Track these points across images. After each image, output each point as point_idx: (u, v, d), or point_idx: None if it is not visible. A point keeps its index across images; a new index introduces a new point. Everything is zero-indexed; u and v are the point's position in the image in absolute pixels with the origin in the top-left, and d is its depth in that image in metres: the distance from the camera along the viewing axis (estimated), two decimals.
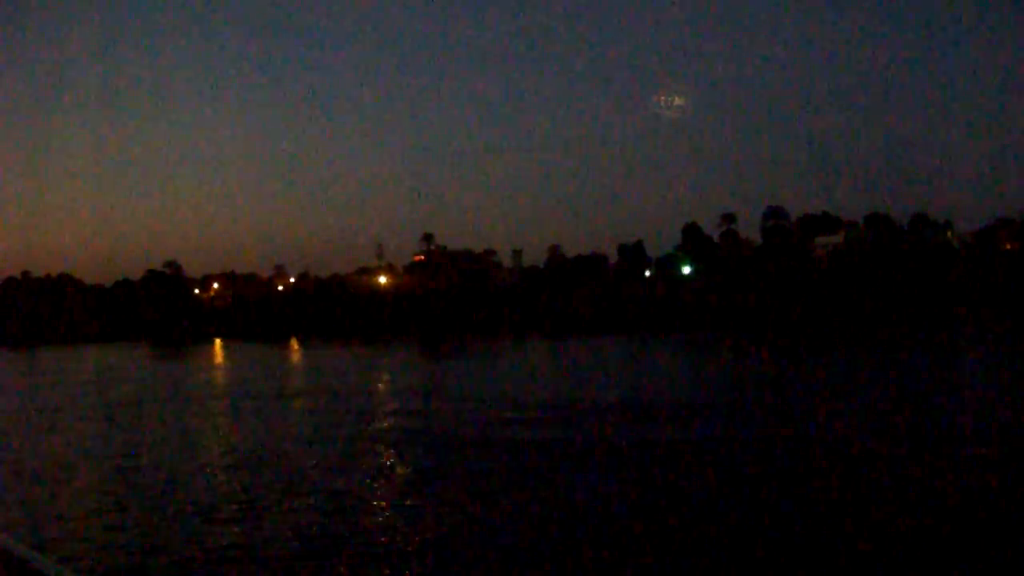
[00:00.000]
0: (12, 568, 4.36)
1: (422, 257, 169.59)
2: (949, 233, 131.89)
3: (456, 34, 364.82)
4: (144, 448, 32.20)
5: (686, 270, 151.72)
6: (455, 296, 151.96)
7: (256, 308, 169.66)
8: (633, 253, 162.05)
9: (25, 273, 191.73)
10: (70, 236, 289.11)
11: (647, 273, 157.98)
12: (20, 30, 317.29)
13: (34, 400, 53.86)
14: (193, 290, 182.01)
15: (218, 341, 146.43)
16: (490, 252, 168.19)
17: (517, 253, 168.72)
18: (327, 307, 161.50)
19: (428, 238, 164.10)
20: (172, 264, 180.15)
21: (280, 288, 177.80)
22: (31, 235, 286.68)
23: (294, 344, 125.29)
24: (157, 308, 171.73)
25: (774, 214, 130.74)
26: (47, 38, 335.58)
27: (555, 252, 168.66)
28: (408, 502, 22.15)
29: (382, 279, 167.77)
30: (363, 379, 62.09)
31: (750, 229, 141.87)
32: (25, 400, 54.54)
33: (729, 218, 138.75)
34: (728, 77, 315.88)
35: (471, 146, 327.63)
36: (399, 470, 26.64)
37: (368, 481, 24.80)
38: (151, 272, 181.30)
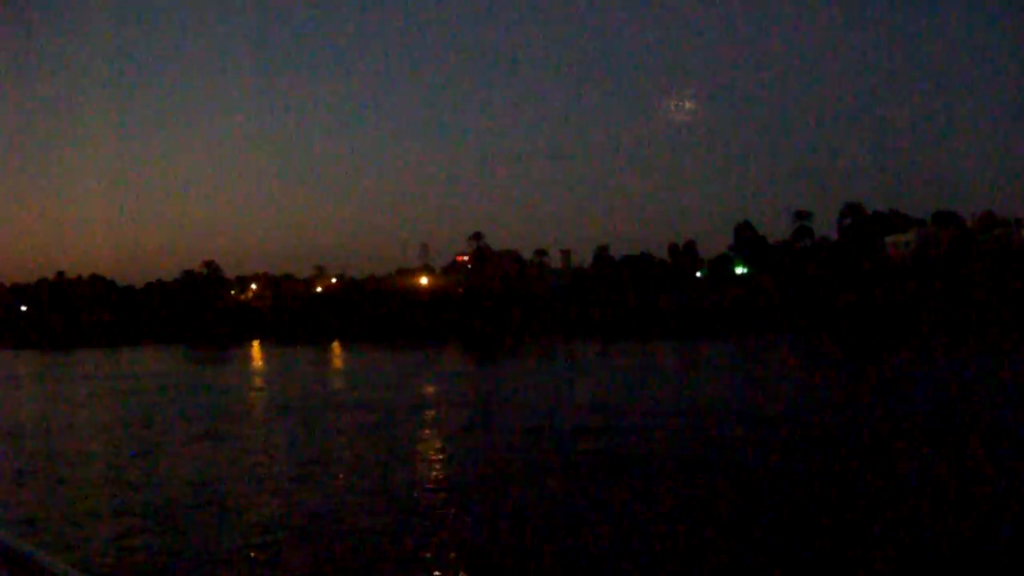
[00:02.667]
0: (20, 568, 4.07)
1: (465, 257, 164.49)
2: None
3: (501, 34, 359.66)
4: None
5: (739, 271, 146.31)
6: (502, 297, 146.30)
7: (296, 310, 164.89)
8: (684, 253, 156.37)
9: (60, 274, 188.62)
10: (102, 237, 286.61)
11: (697, 274, 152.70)
12: (48, 27, 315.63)
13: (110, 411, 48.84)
14: (229, 291, 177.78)
15: (256, 343, 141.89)
16: (540, 252, 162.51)
17: (565, 253, 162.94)
18: (369, 309, 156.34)
19: (477, 237, 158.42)
20: (210, 264, 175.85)
21: (319, 289, 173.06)
22: (64, 236, 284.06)
23: (336, 347, 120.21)
24: (194, 309, 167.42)
25: (851, 211, 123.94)
26: (75, 35, 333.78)
27: (602, 252, 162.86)
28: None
29: (423, 280, 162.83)
30: (451, 387, 56.59)
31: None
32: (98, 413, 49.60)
33: (802, 215, 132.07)
34: (787, 70, 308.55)
35: (519, 146, 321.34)
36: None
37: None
38: (188, 273, 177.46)
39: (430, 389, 53.30)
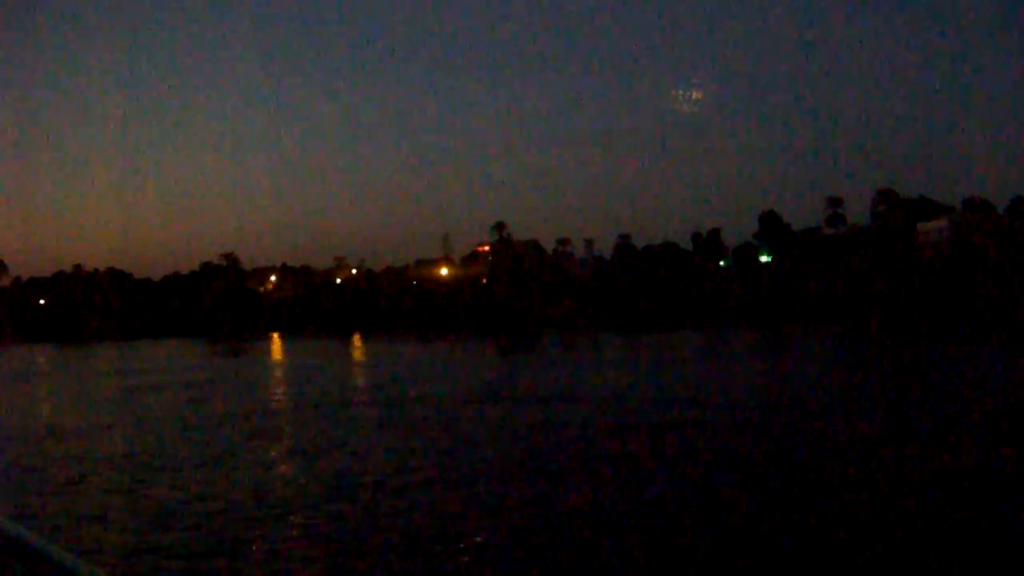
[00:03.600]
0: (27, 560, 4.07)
1: (486, 247, 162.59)
2: None
3: (522, 20, 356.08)
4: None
5: (764, 259, 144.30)
6: (524, 288, 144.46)
7: (316, 301, 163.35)
8: (708, 242, 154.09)
9: (77, 267, 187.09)
10: (119, 230, 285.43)
11: (720, 263, 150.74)
12: (61, 18, 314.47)
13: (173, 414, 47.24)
14: (247, 283, 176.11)
15: (276, 336, 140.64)
16: (564, 241, 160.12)
17: (589, 243, 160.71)
18: (389, 300, 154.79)
19: (500, 227, 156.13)
20: (229, 256, 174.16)
21: (338, 281, 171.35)
22: (81, 229, 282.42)
23: (357, 340, 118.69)
24: (213, 302, 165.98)
25: (884, 198, 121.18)
26: (88, 27, 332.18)
27: (624, 241, 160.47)
28: None
29: (443, 270, 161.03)
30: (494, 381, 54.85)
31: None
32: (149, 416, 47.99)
33: (835, 202, 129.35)
34: (811, 57, 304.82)
35: (542, 135, 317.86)
36: None
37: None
38: (207, 265, 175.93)
39: (477, 381, 51.57)
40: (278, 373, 68.77)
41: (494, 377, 56.01)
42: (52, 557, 3.89)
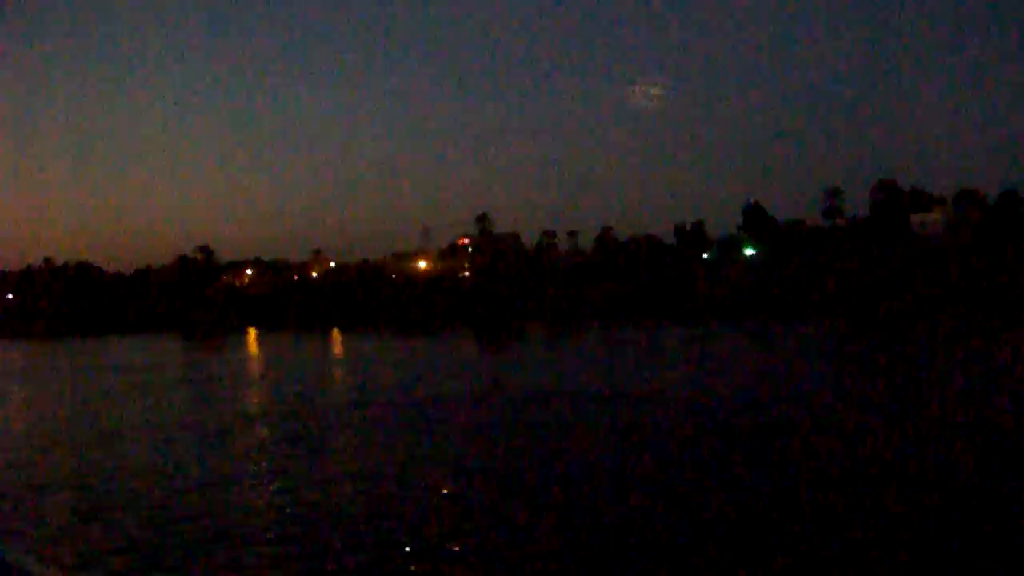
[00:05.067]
0: None
1: (466, 240, 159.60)
2: None
3: (505, 16, 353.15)
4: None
5: (748, 252, 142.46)
6: (508, 281, 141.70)
7: (293, 296, 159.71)
8: (692, 235, 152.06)
9: (47, 260, 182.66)
10: (92, 223, 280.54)
11: (704, 256, 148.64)
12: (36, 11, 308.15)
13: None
14: (222, 277, 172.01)
15: (252, 331, 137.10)
16: (548, 233, 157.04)
17: (572, 235, 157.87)
18: (368, 294, 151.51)
19: (482, 218, 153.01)
20: (204, 249, 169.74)
21: (314, 274, 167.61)
22: (49, 223, 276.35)
23: (336, 334, 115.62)
24: (186, 296, 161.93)
25: (883, 188, 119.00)
26: (58, 19, 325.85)
27: (606, 234, 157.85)
28: None
29: (421, 264, 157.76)
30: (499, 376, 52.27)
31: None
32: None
33: (834, 193, 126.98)
34: (794, 50, 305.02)
35: (522, 125, 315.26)
36: None
37: None
38: (182, 258, 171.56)
39: (482, 379, 49.00)
40: (271, 373, 65.55)
41: (486, 377, 53.43)
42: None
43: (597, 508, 19.50)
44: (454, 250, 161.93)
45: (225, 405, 42.84)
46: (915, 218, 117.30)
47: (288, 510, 20.55)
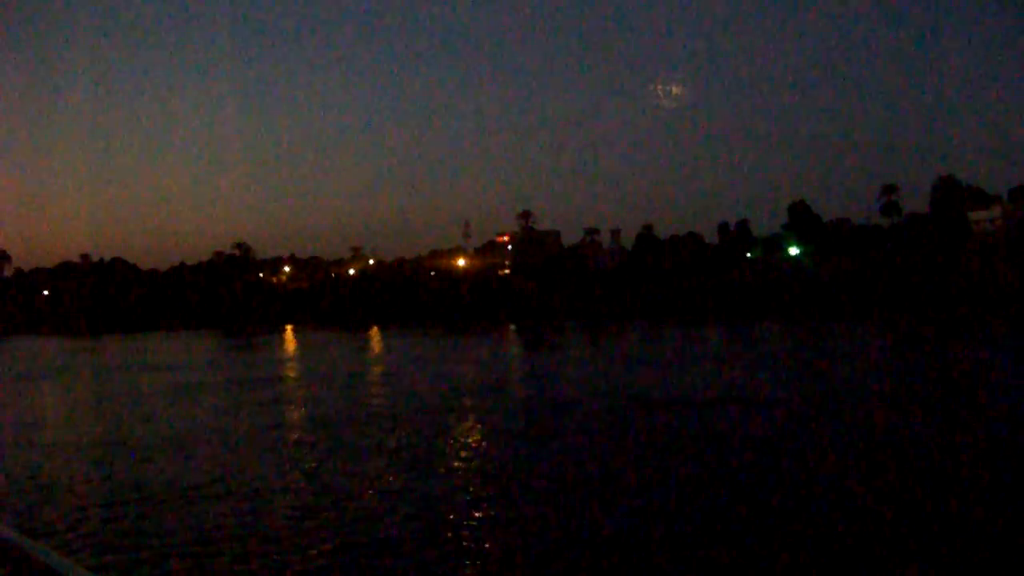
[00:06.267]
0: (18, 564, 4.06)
1: (505, 237, 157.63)
2: None
3: (548, 13, 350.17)
4: None
5: (793, 251, 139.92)
6: (548, 278, 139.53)
7: (331, 293, 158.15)
8: (737, 233, 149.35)
9: (84, 256, 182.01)
10: (124, 219, 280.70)
11: (747, 255, 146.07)
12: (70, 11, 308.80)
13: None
14: (259, 274, 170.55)
15: (290, 329, 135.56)
16: (592, 231, 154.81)
17: (615, 233, 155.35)
18: (405, 292, 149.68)
19: (525, 215, 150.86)
20: (241, 245, 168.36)
21: (352, 272, 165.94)
22: (83, 221, 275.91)
23: (375, 332, 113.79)
24: (226, 293, 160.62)
25: (945, 185, 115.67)
26: (94, 19, 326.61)
27: (647, 232, 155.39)
28: None
29: (460, 261, 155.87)
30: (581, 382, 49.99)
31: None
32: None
33: (890, 189, 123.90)
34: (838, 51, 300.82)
35: (564, 121, 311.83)
36: None
37: None
38: (219, 254, 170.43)
39: (561, 382, 46.88)
40: (329, 372, 63.54)
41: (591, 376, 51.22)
42: (39, 559, 3.78)
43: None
44: (493, 247, 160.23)
45: (300, 409, 40.84)
46: (975, 215, 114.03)
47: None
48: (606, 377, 49.42)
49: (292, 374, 61.52)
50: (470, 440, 29.82)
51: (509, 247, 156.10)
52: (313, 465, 26.19)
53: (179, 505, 21.31)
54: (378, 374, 58.68)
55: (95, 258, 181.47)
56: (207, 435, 32.42)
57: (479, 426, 32.72)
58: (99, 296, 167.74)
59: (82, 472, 26.16)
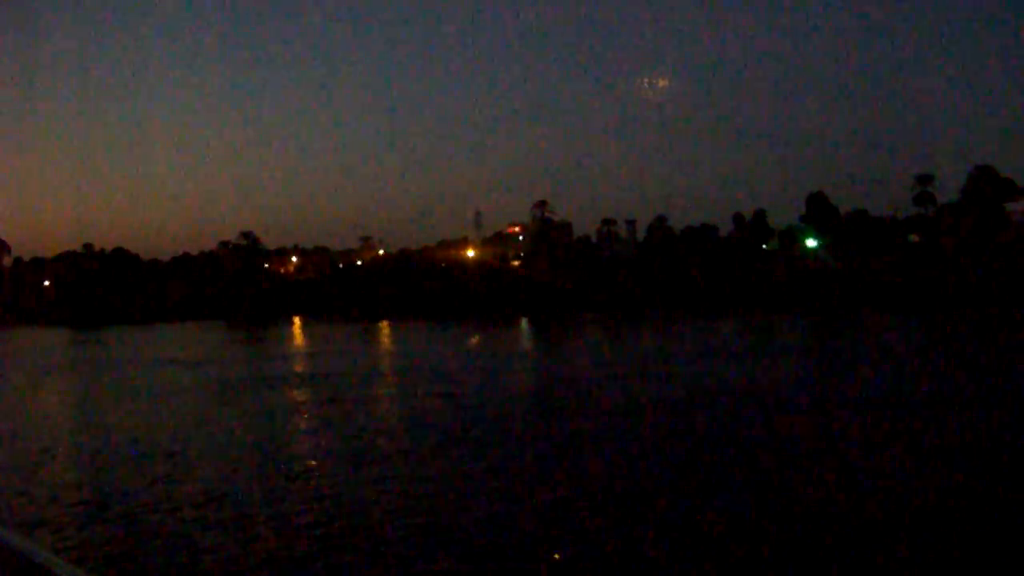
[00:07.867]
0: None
1: (516, 228, 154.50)
2: None
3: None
4: None
5: (811, 243, 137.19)
6: (562, 270, 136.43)
7: (340, 284, 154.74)
8: (753, 224, 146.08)
9: (87, 246, 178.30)
10: (126, 209, 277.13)
11: (763, 247, 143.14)
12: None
13: None
14: (265, 264, 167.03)
15: (298, 321, 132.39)
16: (609, 221, 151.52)
17: (631, 224, 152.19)
18: (414, 282, 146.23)
19: (541, 205, 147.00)
20: (248, 235, 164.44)
21: (359, 263, 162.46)
22: (84, 210, 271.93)
23: (385, 325, 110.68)
24: (232, 283, 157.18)
25: (981, 174, 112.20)
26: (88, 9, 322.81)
27: (661, 223, 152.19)
28: None
29: (469, 252, 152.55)
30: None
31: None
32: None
33: (926, 179, 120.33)
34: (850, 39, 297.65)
35: (575, 111, 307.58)
36: None
37: None
38: (224, 244, 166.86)
39: (665, 380, 43.82)
40: (361, 370, 60.26)
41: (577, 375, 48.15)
42: (33, 560, 3.77)
43: None
44: (502, 238, 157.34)
45: (345, 419, 37.66)
46: (1011, 205, 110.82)
47: None
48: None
49: (340, 371, 58.19)
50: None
51: (520, 238, 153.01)
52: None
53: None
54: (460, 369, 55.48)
55: (96, 248, 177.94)
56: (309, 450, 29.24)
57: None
58: (101, 286, 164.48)
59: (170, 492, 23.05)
